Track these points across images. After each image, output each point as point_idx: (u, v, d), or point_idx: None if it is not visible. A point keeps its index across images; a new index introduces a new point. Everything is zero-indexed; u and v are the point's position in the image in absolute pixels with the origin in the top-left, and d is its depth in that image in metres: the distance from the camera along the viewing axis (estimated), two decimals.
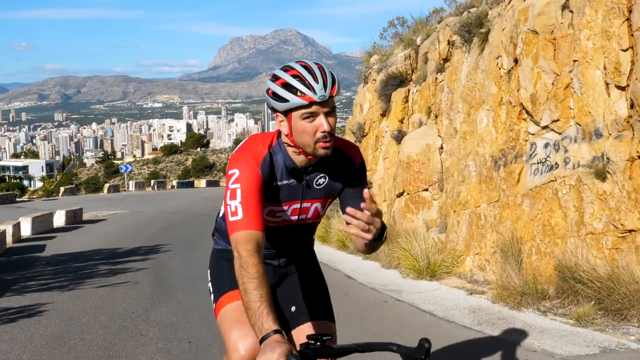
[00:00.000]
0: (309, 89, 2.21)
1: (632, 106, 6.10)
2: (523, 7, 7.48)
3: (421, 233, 9.31)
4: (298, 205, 2.57)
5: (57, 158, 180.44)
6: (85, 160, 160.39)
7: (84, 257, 12.57)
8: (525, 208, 7.41)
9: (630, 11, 6.13)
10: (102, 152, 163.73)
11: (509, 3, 7.97)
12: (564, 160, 6.88)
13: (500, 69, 8.01)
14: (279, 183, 2.47)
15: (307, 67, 2.26)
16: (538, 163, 7.28)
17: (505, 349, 5.22)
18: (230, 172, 2.39)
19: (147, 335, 6.04)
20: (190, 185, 55.31)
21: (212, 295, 2.78)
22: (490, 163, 8.14)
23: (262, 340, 1.91)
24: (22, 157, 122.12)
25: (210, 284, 2.83)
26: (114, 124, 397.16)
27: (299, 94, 2.22)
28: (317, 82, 2.22)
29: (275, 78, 2.30)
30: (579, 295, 5.97)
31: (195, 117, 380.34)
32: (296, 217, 2.61)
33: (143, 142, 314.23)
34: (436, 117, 10.83)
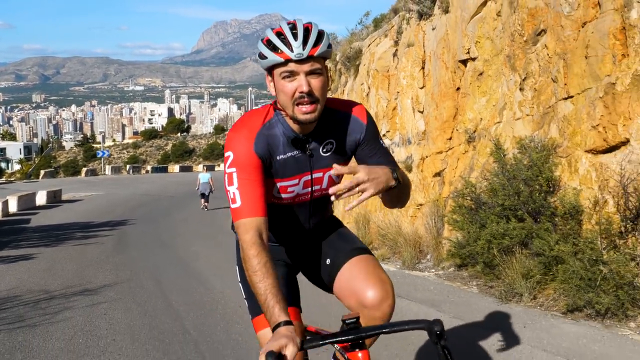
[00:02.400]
0: (287, 46, 2.09)
1: (425, 124, 9.38)
2: (373, 51, 10.74)
3: None
4: (309, 177, 2.38)
5: (35, 140, 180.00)
6: (64, 144, 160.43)
7: (63, 227, 15.77)
8: None
9: (424, 62, 9.39)
10: (82, 136, 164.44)
11: (368, 46, 11.22)
12: None
13: (363, 92, 11.25)
14: (281, 157, 2.30)
15: (292, 25, 2.14)
16: None
17: None
18: (226, 154, 2.26)
19: (104, 268, 9.27)
20: (164, 170, 58.32)
21: (247, 303, 2.51)
22: None
23: (273, 330, 1.90)
24: None
25: (241, 285, 2.57)
26: (94, 106, 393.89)
27: (278, 51, 2.11)
28: (296, 40, 2.09)
29: (263, 37, 2.20)
30: (384, 244, 9.28)
31: (177, 101, 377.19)
32: (309, 189, 2.42)
33: (124, 126, 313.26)
34: None
